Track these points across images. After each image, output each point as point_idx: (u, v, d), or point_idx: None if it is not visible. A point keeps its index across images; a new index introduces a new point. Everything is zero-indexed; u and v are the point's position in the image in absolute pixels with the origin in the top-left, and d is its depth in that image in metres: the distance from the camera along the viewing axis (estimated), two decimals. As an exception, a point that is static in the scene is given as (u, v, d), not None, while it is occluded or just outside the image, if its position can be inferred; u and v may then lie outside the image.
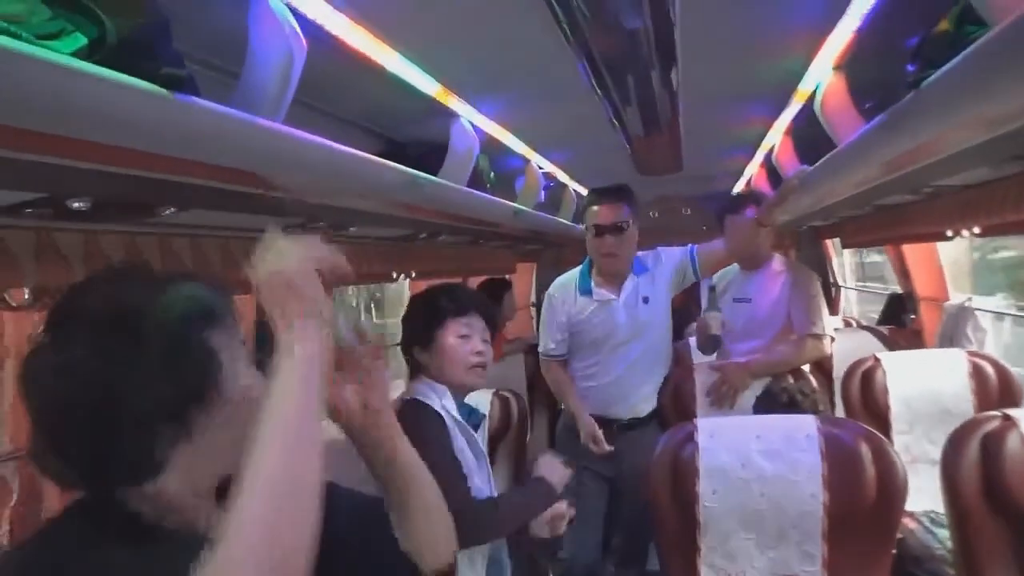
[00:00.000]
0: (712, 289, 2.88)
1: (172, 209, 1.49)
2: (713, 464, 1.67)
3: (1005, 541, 1.59)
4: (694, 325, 3.10)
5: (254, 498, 0.67)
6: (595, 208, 2.60)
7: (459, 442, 1.64)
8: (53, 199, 1.25)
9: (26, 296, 1.40)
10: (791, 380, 2.54)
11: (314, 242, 0.83)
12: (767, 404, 2.45)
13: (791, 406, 2.42)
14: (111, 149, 0.98)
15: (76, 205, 1.29)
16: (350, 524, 0.93)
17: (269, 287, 0.78)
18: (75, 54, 0.80)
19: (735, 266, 2.92)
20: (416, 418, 1.61)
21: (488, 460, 1.76)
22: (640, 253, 2.68)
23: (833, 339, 2.65)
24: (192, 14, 1.12)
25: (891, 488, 1.62)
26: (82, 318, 0.77)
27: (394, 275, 2.89)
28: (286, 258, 0.80)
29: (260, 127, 1.09)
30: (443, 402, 1.67)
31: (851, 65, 1.89)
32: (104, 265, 1.52)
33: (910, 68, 1.38)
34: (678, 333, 3.35)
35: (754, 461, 1.65)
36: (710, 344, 2.68)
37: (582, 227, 2.69)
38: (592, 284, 2.64)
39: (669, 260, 2.70)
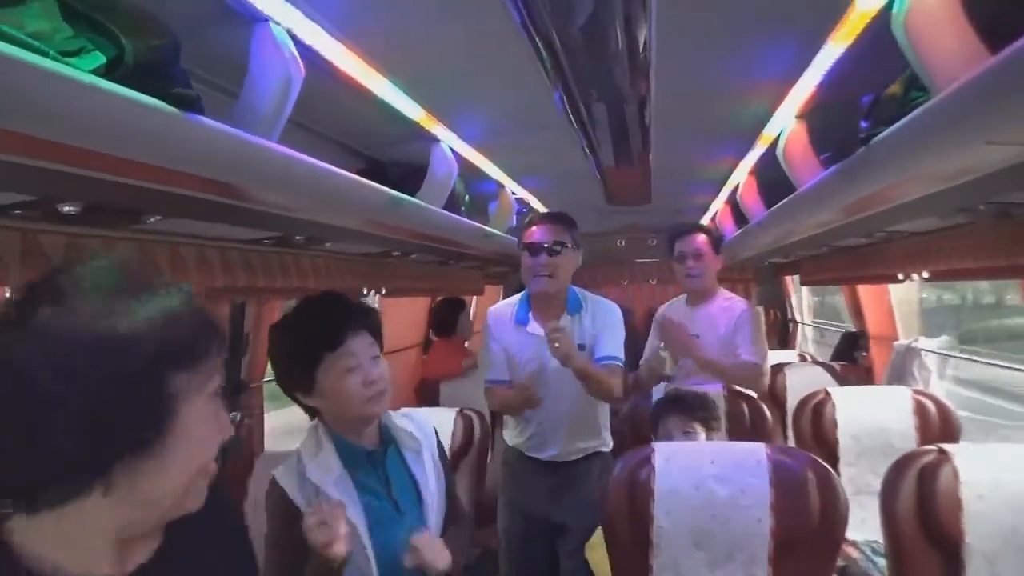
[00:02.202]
0: (660, 318, 2.92)
1: (158, 217, 1.53)
2: (668, 486, 1.74)
3: (936, 569, 1.68)
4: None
5: None
6: (534, 226, 2.46)
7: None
8: (44, 202, 1.29)
9: (7, 296, 1.42)
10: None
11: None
12: (673, 404, 2.32)
13: (691, 410, 2.27)
14: (115, 160, 1.03)
15: (66, 209, 1.33)
16: None
17: None
18: (94, 72, 0.85)
19: (681, 301, 2.98)
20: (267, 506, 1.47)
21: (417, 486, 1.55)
22: (589, 295, 2.55)
23: (770, 373, 2.75)
24: (197, 36, 1.17)
25: (834, 516, 1.71)
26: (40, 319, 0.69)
27: (364, 291, 2.94)
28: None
29: (256, 145, 1.14)
30: (321, 459, 1.46)
31: (812, 115, 2.02)
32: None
33: (863, 124, 1.49)
34: (635, 362, 3.43)
35: (707, 484, 1.73)
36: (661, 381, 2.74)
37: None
38: (529, 316, 2.50)
39: (607, 337, 2.46)
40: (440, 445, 1.69)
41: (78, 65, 0.82)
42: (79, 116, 0.83)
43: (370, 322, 1.49)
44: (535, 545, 2.56)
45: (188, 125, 0.99)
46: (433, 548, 1.40)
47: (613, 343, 2.46)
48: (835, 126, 1.78)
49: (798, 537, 1.69)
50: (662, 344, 2.75)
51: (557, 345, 2.21)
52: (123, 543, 0.78)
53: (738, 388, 2.78)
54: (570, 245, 2.47)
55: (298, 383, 1.47)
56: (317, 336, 1.44)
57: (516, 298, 2.60)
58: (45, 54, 0.77)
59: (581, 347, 2.40)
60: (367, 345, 1.47)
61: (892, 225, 2.31)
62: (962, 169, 1.34)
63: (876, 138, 1.36)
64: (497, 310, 2.60)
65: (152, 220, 1.54)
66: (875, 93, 1.49)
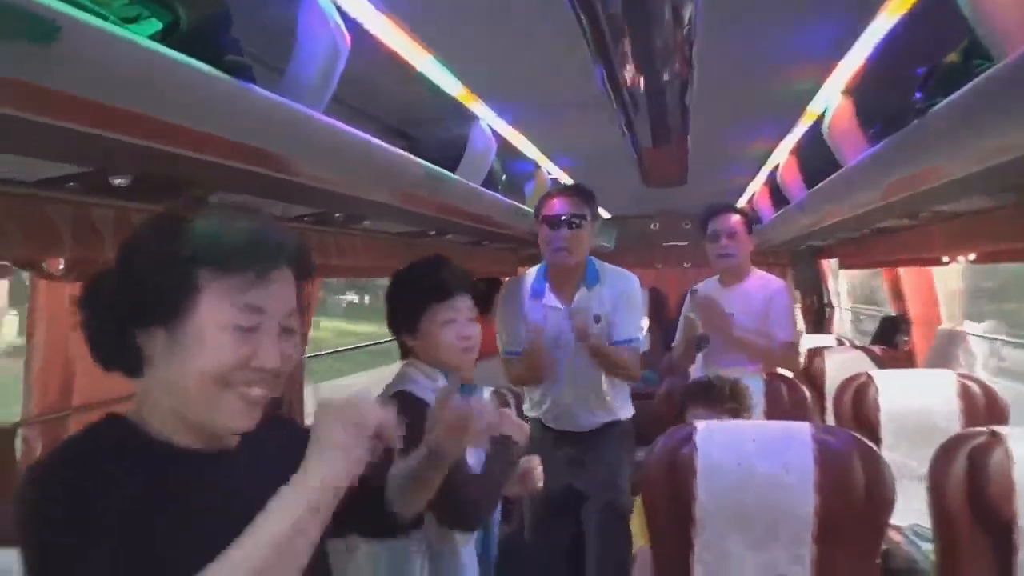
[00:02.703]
0: (694, 292, 2.89)
1: (202, 191, 1.55)
2: (709, 464, 1.73)
3: (987, 552, 1.65)
4: None
5: None
6: (554, 198, 2.45)
7: None
8: (96, 174, 1.31)
9: (61, 267, 1.46)
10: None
11: (384, 412, 0.91)
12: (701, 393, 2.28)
13: (719, 401, 2.22)
14: (167, 126, 1.04)
15: (117, 182, 1.35)
16: None
17: (328, 418, 0.86)
18: (150, 38, 0.85)
19: (714, 281, 2.94)
20: (405, 412, 1.63)
21: None
22: (608, 266, 2.55)
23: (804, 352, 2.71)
24: (245, 6, 1.18)
25: (879, 497, 1.68)
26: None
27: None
28: (359, 408, 0.88)
29: (304, 115, 1.15)
30: (436, 386, 1.66)
31: (860, 90, 1.97)
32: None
33: (917, 96, 1.45)
34: (668, 344, 3.41)
35: (749, 462, 1.71)
36: (697, 345, 2.71)
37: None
38: (545, 287, 2.51)
39: (625, 315, 2.48)
40: None
41: (135, 31, 0.83)
42: (138, 80, 0.84)
43: (473, 288, 1.71)
44: (559, 514, 2.58)
45: (240, 93, 1.00)
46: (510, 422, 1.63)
47: (631, 323, 2.45)
48: (886, 100, 1.74)
49: (843, 517, 1.67)
50: (693, 307, 2.74)
51: (577, 322, 2.23)
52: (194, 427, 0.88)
53: (774, 370, 2.76)
54: (589, 218, 2.45)
55: (404, 324, 1.68)
56: (432, 286, 1.65)
57: (533, 270, 2.60)
58: (105, 19, 0.78)
59: (597, 318, 2.41)
60: (468, 306, 1.68)
61: (939, 204, 2.25)
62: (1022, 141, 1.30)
63: (932, 109, 1.32)
64: (513, 282, 2.61)
65: (197, 194, 1.56)
66: (930, 64, 1.45)
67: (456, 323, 1.65)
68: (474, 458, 1.64)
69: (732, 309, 2.77)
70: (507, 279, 2.68)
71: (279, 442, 0.97)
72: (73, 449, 0.84)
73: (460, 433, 1.18)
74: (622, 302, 2.46)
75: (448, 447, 1.13)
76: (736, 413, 2.20)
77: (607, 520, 2.51)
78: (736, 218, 2.84)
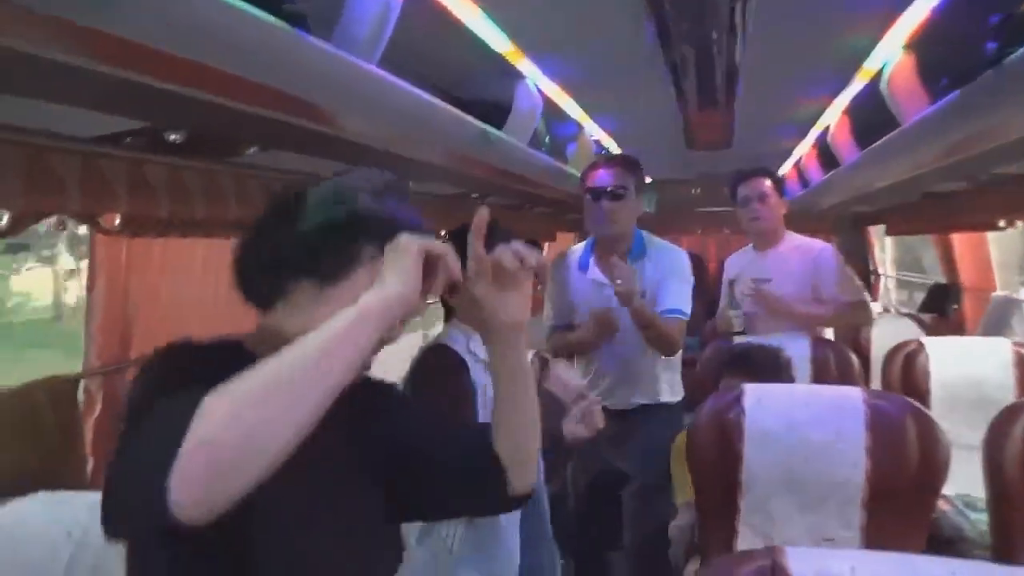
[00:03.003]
0: (731, 284, 2.83)
1: (255, 149, 1.56)
2: (759, 428, 1.71)
3: (1044, 522, 1.62)
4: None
5: (257, 379, 0.72)
6: (597, 170, 2.38)
7: (484, 380, 1.61)
8: (151, 130, 1.32)
9: (117, 222, 1.48)
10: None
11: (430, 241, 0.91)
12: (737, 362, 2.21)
13: (756, 372, 2.11)
14: (223, 77, 1.03)
15: (172, 138, 1.36)
16: (451, 450, 1.04)
17: (396, 248, 0.87)
18: (210, -16, 0.84)
19: (748, 249, 2.87)
20: (438, 361, 1.68)
21: None
22: (656, 240, 2.49)
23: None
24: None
25: (933, 464, 1.65)
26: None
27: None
28: (406, 237, 0.89)
29: (358, 67, 1.14)
30: (470, 345, 1.69)
31: (923, 44, 1.89)
32: (184, 198, 1.61)
33: (990, 46, 1.38)
34: (708, 310, 3.38)
35: (800, 427, 1.68)
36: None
37: None
38: (591, 261, 2.47)
39: (670, 286, 2.41)
40: None
41: (196, -23, 0.82)
42: (195, 26, 0.83)
43: None
44: (599, 492, 2.57)
45: (296, 41, 0.99)
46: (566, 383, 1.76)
47: (678, 295, 2.39)
48: (953, 53, 1.66)
49: (895, 483, 1.64)
50: (731, 302, 2.69)
51: (619, 282, 2.17)
52: None
53: (822, 336, 2.71)
54: (633, 189, 2.39)
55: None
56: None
57: (582, 245, 2.57)
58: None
59: (643, 293, 2.35)
60: None
61: (1000, 166, 2.17)
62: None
63: (1008, 58, 1.26)
64: (562, 257, 2.58)
65: (250, 152, 1.57)
66: (1006, 11, 1.37)
67: None
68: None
69: (769, 275, 2.71)
70: (554, 250, 2.66)
71: (369, 392, 1.04)
72: (190, 352, 0.91)
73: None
74: (671, 273, 2.42)
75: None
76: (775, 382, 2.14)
77: (641, 503, 2.50)
78: (766, 182, 2.77)
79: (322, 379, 0.74)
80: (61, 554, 1.05)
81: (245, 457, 0.69)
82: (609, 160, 2.45)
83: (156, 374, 0.88)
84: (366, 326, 0.80)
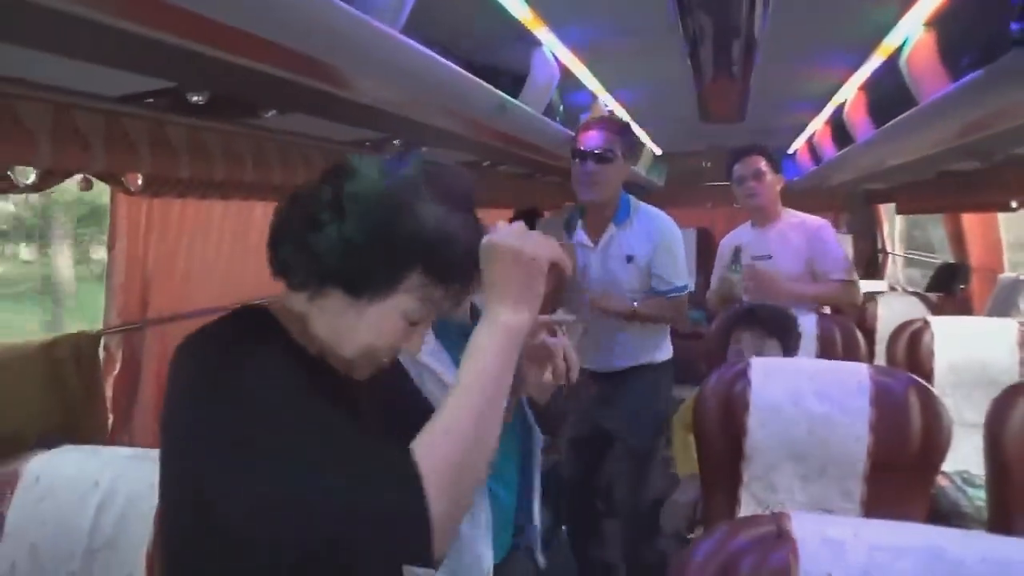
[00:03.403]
0: (737, 249, 2.84)
1: (274, 111, 1.56)
2: (764, 400, 1.74)
3: (1041, 499, 1.65)
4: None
5: (449, 437, 0.80)
6: (585, 132, 2.32)
7: (438, 394, 1.53)
8: (174, 90, 1.33)
9: (139, 182, 1.50)
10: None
11: (553, 243, 0.89)
12: (746, 318, 2.24)
13: (766, 327, 2.16)
14: (247, 38, 1.04)
15: (194, 99, 1.37)
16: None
17: (502, 260, 0.85)
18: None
19: (747, 226, 2.89)
20: None
21: None
22: (644, 206, 2.46)
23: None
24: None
25: (935, 440, 1.68)
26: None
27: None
28: (532, 244, 0.86)
29: (383, 33, 1.14)
30: (422, 355, 1.53)
31: (945, 21, 1.87)
32: (204, 159, 1.63)
33: (1014, 27, 1.37)
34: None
35: (805, 400, 1.71)
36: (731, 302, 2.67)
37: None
38: (578, 224, 2.45)
39: (665, 259, 2.41)
40: None
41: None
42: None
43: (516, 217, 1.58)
44: (580, 451, 2.59)
45: (319, 4, 0.99)
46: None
47: (673, 269, 2.39)
48: (974, 32, 1.66)
49: (896, 458, 1.67)
50: (733, 265, 2.70)
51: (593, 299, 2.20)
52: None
53: (827, 311, 2.73)
54: (620, 153, 2.33)
55: None
56: None
57: (567, 209, 2.56)
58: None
59: (629, 258, 2.37)
60: None
61: (1017, 146, 2.17)
62: None
63: (1032, 39, 1.26)
64: (552, 217, 2.58)
65: (268, 114, 1.58)
66: (1031, -9, 1.36)
67: None
68: None
69: (769, 251, 2.73)
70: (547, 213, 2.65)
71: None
72: (233, 327, 0.88)
73: None
74: (660, 247, 2.40)
75: None
76: (784, 341, 2.14)
77: (629, 465, 2.52)
78: (760, 159, 2.79)
79: (497, 413, 0.83)
80: (90, 501, 1.09)
81: (469, 500, 0.83)
82: (597, 122, 2.39)
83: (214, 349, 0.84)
84: (515, 353, 0.85)
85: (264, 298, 0.95)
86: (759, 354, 2.08)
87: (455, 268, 0.87)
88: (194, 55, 1.10)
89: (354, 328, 0.88)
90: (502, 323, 0.84)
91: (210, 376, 0.81)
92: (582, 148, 2.32)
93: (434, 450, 0.79)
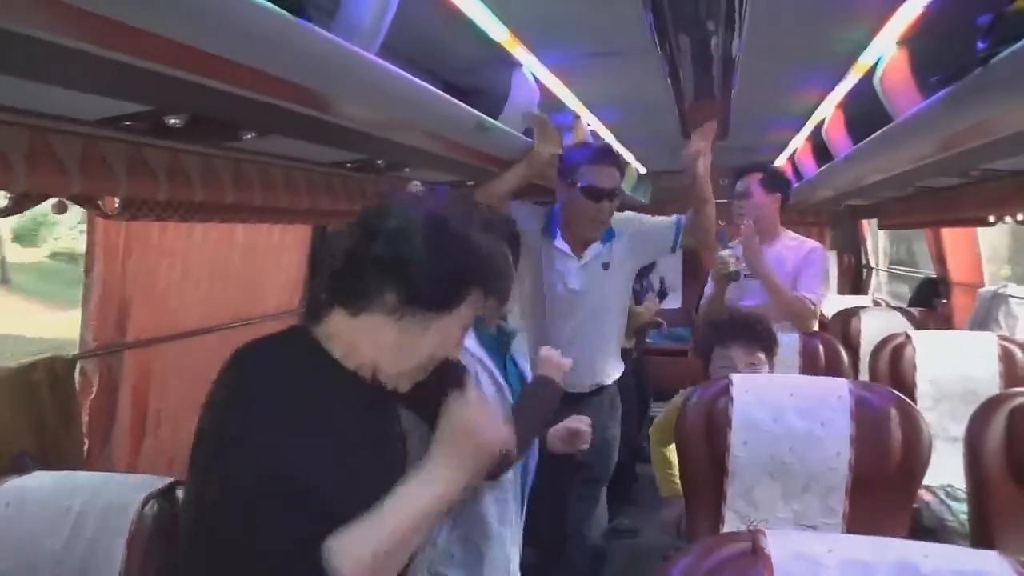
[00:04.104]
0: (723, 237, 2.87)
1: (253, 134, 1.57)
2: (746, 417, 1.74)
3: (1021, 510, 1.66)
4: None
5: (367, 546, 0.91)
6: (597, 167, 2.35)
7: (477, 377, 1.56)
8: (151, 114, 1.33)
9: (116, 205, 1.49)
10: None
11: (505, 433, 1.04)
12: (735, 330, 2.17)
13: (756, 338, 2.12)
14: (223, 64, 1.05)
15: (172, 122, 1.37)
16: None
17: (464, 433, 0.98)
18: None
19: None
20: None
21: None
22: (618, 215, 2.48)
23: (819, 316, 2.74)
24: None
25: (916, 455, 1.69)
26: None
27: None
28: (491, 433, 1.01)
29: (358, 56, 1.15)
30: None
31: (916, 40, 1.91)
32: (183, 182, 1.63)
33: (980, 45, 1.40)
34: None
35: (786, 417, 1.72)
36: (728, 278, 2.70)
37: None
38: (558, 233, 2.44)
39: (649, 230, 2.51)
40: None
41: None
42: (198, 13, 0.85)
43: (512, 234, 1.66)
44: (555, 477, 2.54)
45: (296, 29, 1.00)
46: (551, 364, 1.69)
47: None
48: (945, 50, 1.68)
49: (878, 472, 1.68)
50: (731, 243, 2.72)
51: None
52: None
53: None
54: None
55: None
56: None
57: (541, 209, 2.53)
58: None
59: (606, 265, 2.42)
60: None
61: (991, 161, 2.20)
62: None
63: (997, 57, 1.28)
64: (524, 207, 2.53)
65: (248, 137, 1.58)
66: (995, 11, 1.39)
67: None
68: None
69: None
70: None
71: None
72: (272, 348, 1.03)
73: None
74: (635, 239, 2.47)
75: None
76: (769, 349, 2.11)
77: (587, 489, 2.49)
78: (752, 178, 2.86)
79: (418, 537, 0.95)
80: (62, 526, 1.08)
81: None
82: (606, 160, 2.41)
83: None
84: (442, 503, 0.97)
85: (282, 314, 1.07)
86: (751, 367, 2.07)
87: (503, 285, 1.11)
88: (172, 79, 1.10)
89: (416, 342, 1.03)
90: (440, 476, 0.96)
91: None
92: (600, 187, 2.34)
93: (350, 553, 0.89)
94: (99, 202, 1.44)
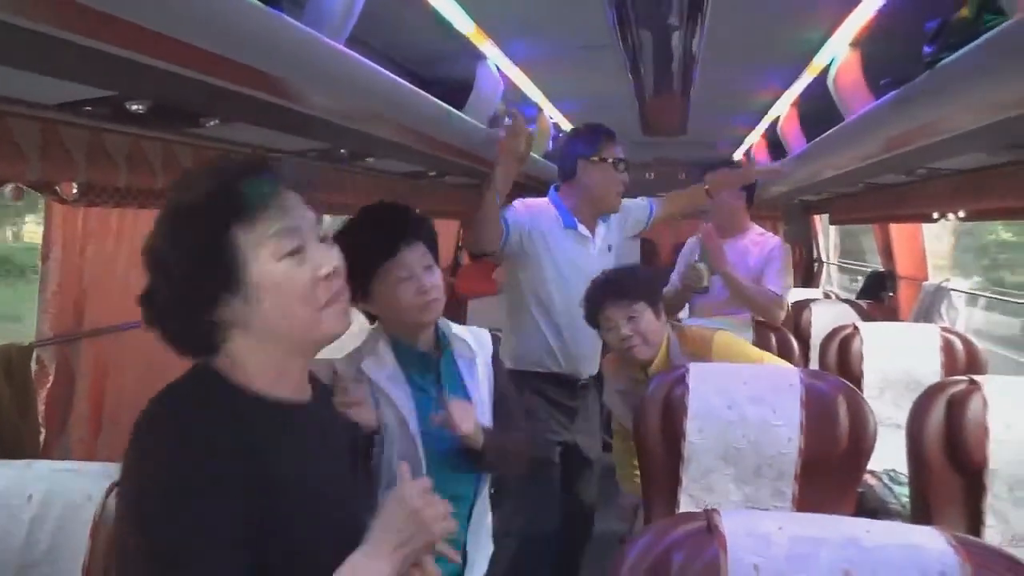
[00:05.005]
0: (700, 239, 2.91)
1: (216, 121, 1.56)
2: (701, 405, 1.79)
3: (958, 494, 1.74)
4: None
5: None
6: (614, 142, 2.40)
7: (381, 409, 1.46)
8: (114, 99, 1.31)
9: (75, 191, 1.47)
10: None
11: (447, 527, 0.96)
12: (605, 289, 2.08)
13: (629, 293, 2.01)
14: (191, 51, 1.05)
15: (134, 108, 1.36)
16: None
17: (403, 521, 0.91)
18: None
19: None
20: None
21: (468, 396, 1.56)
22: None
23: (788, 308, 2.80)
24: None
25: (862, 440, 1.76)
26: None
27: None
28: (426, 529, 0.93)
29: (328, 47, 1.16)
30: (377, 356, 1.51)
31: (868, 42, 1.98)
32: (144, 168, 1.61)
33: (927, 50, 1.47)
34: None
35: (739, 405, 1.78)
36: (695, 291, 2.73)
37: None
38: (575, 219, 2.39)
39: (631, 210, 2.58)
40: (496, 355, 1.68)
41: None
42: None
43: (424, 233, 1.49)
44: (549, 464, 2.51)
45: (264, 17, 1.01)
46: (462, 412, 1.43)
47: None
48: (894, 54, 1.75)
49: (825, 458, 1.75)
50: (698, 255, 2.74)
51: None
52: (284, 374, 0.95)
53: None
54: None
55: (355, 291, 1.35)
56: (371, 247, 1.43)
57: (539, 201, 2.45)
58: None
59: (610, 248, 2.49)
60: (420, 255, 1.46)
61: (936, 161, 2.29)
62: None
63: (942, 62, 1.35)
64: (534, 204, 2.42)
65: (211, 124, 1.57)
66: (941, 17, 1.46)
67: (411, 279, 1.44)
68: (402, 443, 1.48)
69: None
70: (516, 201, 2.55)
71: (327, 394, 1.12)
72: (178, 401, 0.89)
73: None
74: (621, 218, 2.53)
75: None
76: (650, 298, 2.03)
77: (583, 471, 2.54)
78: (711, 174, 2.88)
79: None
80: (22, 515, 1.07)
81: None
82: (614, 134, 2.43)
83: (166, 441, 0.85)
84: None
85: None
86: (631, 320, 2.00)
87: (249, 200, 0.90)
88: (135, 64, 1.09)
89: (271, 308, 0.90)
90: (385, 553, 0.90)
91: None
92: (620, 157, 2.38)
93: None
94: (57, 188, 1.41)
